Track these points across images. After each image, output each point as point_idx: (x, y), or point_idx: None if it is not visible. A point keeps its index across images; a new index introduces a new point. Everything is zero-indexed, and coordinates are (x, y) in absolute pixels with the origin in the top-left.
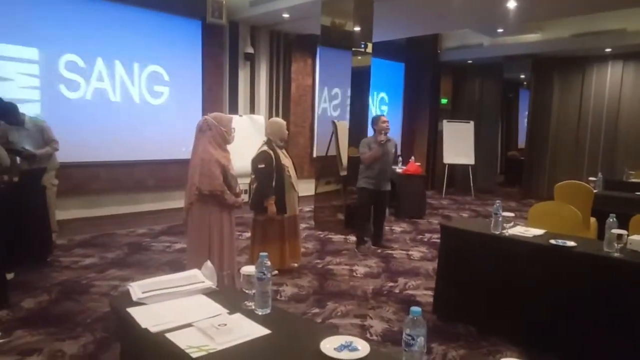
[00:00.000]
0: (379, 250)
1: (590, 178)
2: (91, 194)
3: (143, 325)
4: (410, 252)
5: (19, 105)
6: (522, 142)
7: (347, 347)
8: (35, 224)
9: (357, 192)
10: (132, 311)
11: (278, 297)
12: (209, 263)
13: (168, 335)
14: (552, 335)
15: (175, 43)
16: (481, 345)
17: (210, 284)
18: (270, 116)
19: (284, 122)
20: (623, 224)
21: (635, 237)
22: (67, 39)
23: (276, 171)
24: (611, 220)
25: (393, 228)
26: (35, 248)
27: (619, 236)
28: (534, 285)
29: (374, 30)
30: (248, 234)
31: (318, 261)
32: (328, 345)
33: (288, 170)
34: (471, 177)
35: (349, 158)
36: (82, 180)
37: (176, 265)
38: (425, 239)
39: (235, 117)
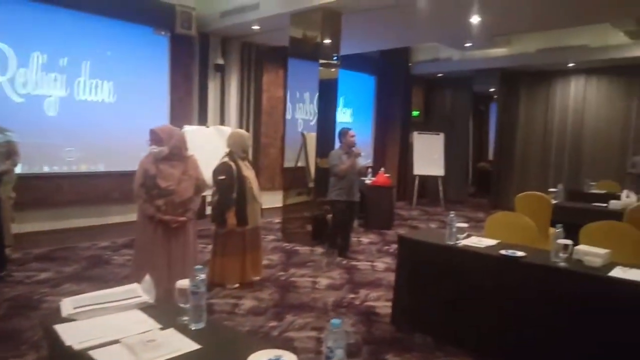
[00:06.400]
0: (344, 262)
1: (551, 189)
2: (54, 207)
3: (67, 343)
4: (375, 264)
5: None
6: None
7: None
8: None
9: (330, 205)
10: (59, 328)
11: (236, 310)
12: (147, 277)
13: (92, 352)
14: (502, 343)
15: (142, 53)
16: (436, 355)
17: (146, 298)
18: (241, 127)
19: (246, 133)
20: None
21: (580, 247)
22: (33, 46)
23: (237, 183)
24: (558, 230)
25: (361, 239)
26: None
27: (565, 246)
28: (485, 295)
29: (345, 43)
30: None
31: (282, 273)
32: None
33: (249, 182)
34: (441, 188)
35: (317, 169)
36: (44, 193)
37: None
38: (392, 250)
39: (202, 129)
